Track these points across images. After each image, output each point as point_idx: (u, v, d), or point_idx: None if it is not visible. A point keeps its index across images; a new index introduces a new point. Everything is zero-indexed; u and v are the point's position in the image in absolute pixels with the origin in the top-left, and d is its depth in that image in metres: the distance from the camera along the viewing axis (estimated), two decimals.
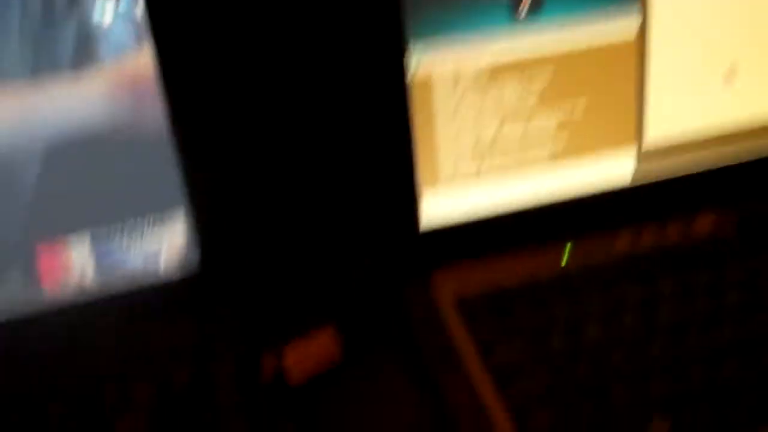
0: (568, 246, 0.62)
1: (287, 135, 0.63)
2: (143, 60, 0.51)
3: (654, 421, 0.51)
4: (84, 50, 0.50)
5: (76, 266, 0.54)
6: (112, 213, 0.54)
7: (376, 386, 0.58)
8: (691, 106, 0.61)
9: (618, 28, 0.57)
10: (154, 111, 0.52)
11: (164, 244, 0.55)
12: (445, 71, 0.56)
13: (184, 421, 0.51)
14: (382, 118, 0.56)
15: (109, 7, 0.50)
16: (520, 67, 0.57)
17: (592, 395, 0.52)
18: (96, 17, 0.50)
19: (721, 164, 0.63)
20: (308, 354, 0.56)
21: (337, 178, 0.64)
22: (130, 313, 0.56)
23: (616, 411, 0.52)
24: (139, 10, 0.50)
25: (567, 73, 0.58)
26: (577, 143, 0.60)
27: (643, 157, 0.62)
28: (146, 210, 0.55)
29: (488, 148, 0.58)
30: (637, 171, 0.62)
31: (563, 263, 0.61)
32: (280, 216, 0.65)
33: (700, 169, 0.63)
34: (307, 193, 0.65)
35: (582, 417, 0.51)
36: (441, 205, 0.59)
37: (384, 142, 0.57)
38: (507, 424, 0.52)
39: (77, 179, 0.52)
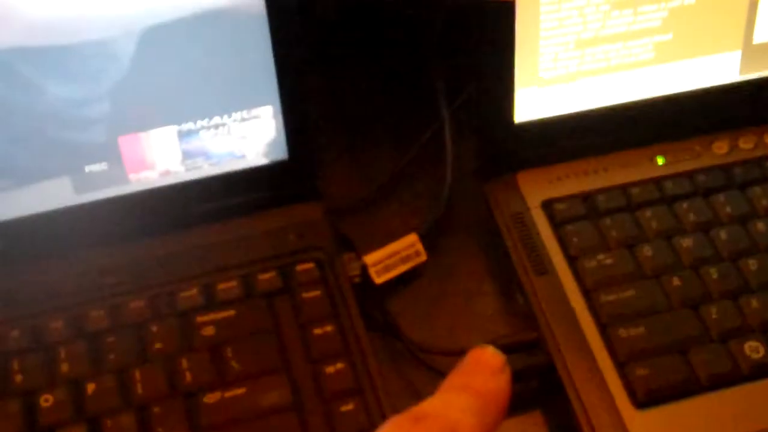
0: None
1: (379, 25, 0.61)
2: None
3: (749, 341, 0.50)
4: None
5: (162, 154, 0.53)
6: (202, 106, 0.53)
7: (459, 284, 0.57)
8: None
9: None
10: None
11: (252, 136, 0.54)
12: None
13: (267, 320, 0.51)
14: (486, 4, 0.53)
15: None
16: None
17: (685, 312, 0.51)
18: None
19: None
20: (391, 253, 0.56)
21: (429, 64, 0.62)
22: (214, 200, 0.55)
23: (709, 329, 0.51)
24: None
25: None
26: (682, 40, 0.57)
27: (749, 56, 0.58)
28: (236, 105, 0.53)
29: (591, 41, 0.55)
30: (741, 70, 0.59)
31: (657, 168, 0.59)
32: (368, 97, 0.63)
33: None
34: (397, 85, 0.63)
35: (672, 333, 0.50)
36: (538, 98, 0.56)
37: (486, 29, 0.54)
38: (594, 329, 0.51)
39: (170, 69, 0.51)
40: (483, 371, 0.39)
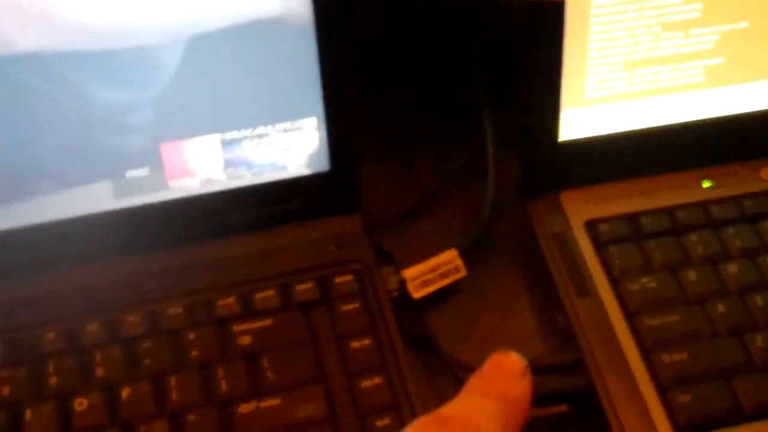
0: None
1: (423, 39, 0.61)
2: None
3: None
4: None
5: (203, 162, 0.53)
6: (246, 116, 0.52)
7: (498, 301, 0.57)
8: None
9: None
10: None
11: (294, 147, 0.54)
12: None
13: (304, 331, 0.51)
14: (534, 22, 0.53)
15: None
16: None
17: (729, 339, 0.50)
18: None
19: None
20: (431, 269, 0.55)
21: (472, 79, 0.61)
22: (254, 210, 0.55)
23: (754, 357, 0.50)
24: None
25: None
26: (733, 64, 0.56)
27: None
28: (280, 116, 0.53)
29: (640, 62, 0.55)
30: None
31: (703, 192, 0.58)
32: (411, 110, 0.63)
33: None
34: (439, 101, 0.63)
35: (716, 360, 0.49)
36: (584, 117, 0.56)
37: (533, 46, 0.54)
38: (636, 353, 0.50)
39: (216, 77, 0.51)
40: (505, 376, 0.39)
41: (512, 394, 0.38)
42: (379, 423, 0.47)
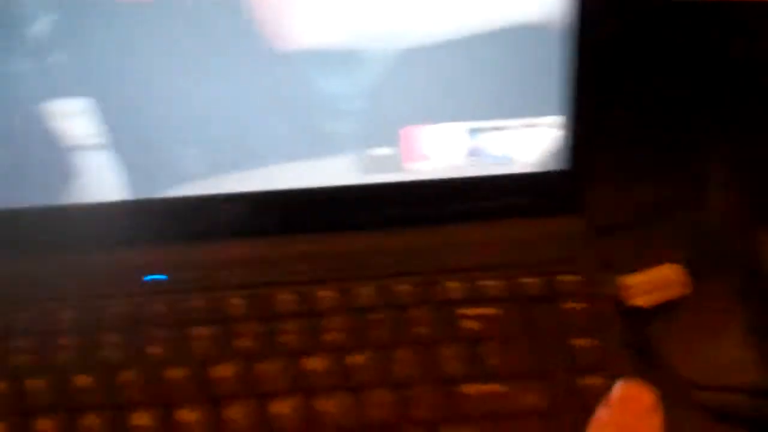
0: None
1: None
2: None
3: None
4: None
5: (443, 149, 0.54)
6: (489, 109, 0.54)
7: (715, 320, 0.56)
8: None
9: None
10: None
11: (533, 143, 0.55)
12: None
13: (528, 324, 0.51)
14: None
15: None
16: None
17: None
18: None
19: None
20: (654, 280, 0.55)
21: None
22: (485, 200, 0.56)
23: None
24: None
25: None
26: None
27: None
28: (523, 111, 0.54)
29: None
30: None
31: None
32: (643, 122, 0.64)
33: None
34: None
35: None
36: None
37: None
38: None
39: (466, 70, 0.52)
40: (636, 410, 0.38)
41: (641, 429, 0.37)
42: None
